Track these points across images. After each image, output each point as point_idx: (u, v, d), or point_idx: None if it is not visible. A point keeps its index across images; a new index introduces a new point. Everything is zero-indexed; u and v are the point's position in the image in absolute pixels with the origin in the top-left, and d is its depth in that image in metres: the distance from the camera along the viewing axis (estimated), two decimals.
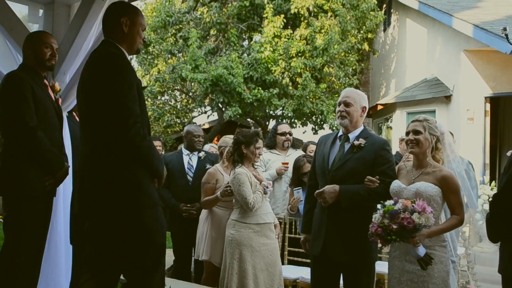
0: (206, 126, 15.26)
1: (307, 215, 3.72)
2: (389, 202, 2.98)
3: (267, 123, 12.92)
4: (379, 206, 3.04)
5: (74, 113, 4.63)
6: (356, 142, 3.44)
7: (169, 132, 14.51)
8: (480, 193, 7.14)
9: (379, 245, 3.18)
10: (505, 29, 7.00)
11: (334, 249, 3.40)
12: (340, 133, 3.58)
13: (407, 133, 3.29)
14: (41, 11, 4.19)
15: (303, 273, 4.51)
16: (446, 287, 3.05)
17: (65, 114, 3.90)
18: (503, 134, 10.37)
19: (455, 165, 3.42)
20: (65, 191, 3.78)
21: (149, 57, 13.17)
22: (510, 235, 2.77)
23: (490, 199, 2.92)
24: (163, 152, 7.24)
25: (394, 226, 2.86)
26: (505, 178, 2.77)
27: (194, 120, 15.17)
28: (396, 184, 3.27)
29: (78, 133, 4.35)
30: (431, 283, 3.02)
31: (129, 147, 2.62)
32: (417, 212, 2.86)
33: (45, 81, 3.54)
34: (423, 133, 3.20)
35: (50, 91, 3.54)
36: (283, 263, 4.79)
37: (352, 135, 3.50)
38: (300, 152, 5.73)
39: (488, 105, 8.78)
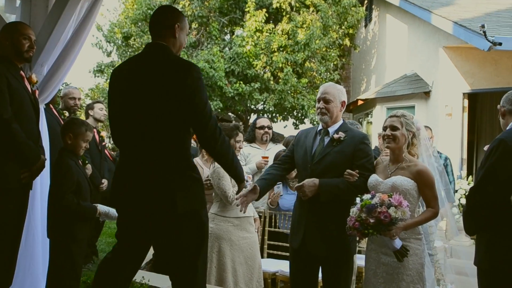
0: None
1: (264, 175, 3.69)
2: (366, 196, 3.02)
3: (248, 117, 12.92)
4: (357, 200, 3.07)
5: (51, 106, 4.57)
6: (335, 136, 3.45)
7: None
8: (457, 188, 7.25)
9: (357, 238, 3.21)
10: (483, 26, 7.05)
11: (313, 243, 3.42)
12: (320, 127, 3.60)
13: (384, 128, 3.32)
14: (18, 2, 4.11)
15: (283, 266, 4.53)
16: (421, 278, 3.10)
17: (42, 106, 3.84)
18: (480, 130, 10.54)
19: (432, 160, 3.47)
20: (42, 184, 3.74)
21: (129, 50, 13.02)
22: (486, 228, 2.83)
23: (467, 193, 2.97)
24: None
25: (371, 220, 2.89)
26: (481, 172, 2.82)
27: None
28: (373, 178, 3.31)
29: (55, 126, 4.36)
30: (406, 274, 3.07)
31: (217, 156, 2.84)
32: (394, 206, 2.89)
33: (22, 72, 3.48)
34: (400, 129, 3.24)
35: (26, 82, 3.48)
36: (262, 257, 4.80)
37: (331, 129, 3.52)
38: (280, 147, 5.74)
39: (466, 101, 8.92)
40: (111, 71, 2.99)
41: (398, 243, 2.98)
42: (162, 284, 4.23)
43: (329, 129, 3.52)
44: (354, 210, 3.01)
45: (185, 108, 2.60)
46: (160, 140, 2.65)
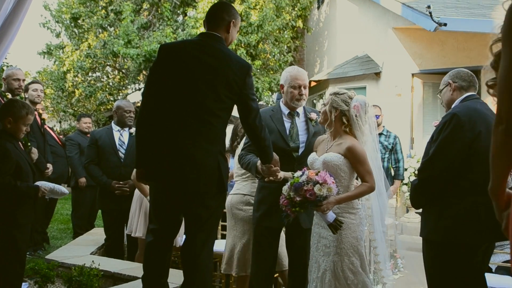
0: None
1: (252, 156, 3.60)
2: (297, 174, 3.09)
3: None
4: (290, 176, 3.16)
5: None
6: (313, 116, 3.65)
7: (102, 110, 14.06)
8: (406, 166, 7.45)
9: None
10: (429, 6, 7.16)
11: (304, 219, 3.47)
12: (286, 110, 3.63)
13: None
14: None
15: None
16: (356, 252, 3.14)
17: None
18: (428, 109, 10.83)
19: (370, 139, 3.41)
20: None
21: (79, 31, 12.61)
22: (435, 201, 2.90)
23: (419, 166, 3.02)
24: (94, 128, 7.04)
25: (298, 198, 2.96)
26: (434, 146, 2.87)
27: (128, 97, 14.78)
28: (312, 155, 3.38)
29: None
30: (340, 248, 3.11)
31: (259, 139, 3.13)
32: (319, 184, 2.95)
33: None
34: (327, 106, 3.32)
35: None
36: (217, 238, 4.80)
37: (299, 109, 3.66)
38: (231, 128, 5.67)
39: (414, 81, 9.14)
40: (166, 46, 3.25)
41: (330, 216, 3.04)
42: (113, 268, 4.20)
43: (297, 110, 3.65)
44: (285, 188, 3.08)
45: (239, 99, 3.04)
46: (211, 123, 2.98)
